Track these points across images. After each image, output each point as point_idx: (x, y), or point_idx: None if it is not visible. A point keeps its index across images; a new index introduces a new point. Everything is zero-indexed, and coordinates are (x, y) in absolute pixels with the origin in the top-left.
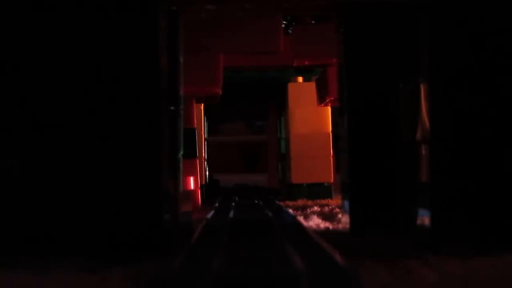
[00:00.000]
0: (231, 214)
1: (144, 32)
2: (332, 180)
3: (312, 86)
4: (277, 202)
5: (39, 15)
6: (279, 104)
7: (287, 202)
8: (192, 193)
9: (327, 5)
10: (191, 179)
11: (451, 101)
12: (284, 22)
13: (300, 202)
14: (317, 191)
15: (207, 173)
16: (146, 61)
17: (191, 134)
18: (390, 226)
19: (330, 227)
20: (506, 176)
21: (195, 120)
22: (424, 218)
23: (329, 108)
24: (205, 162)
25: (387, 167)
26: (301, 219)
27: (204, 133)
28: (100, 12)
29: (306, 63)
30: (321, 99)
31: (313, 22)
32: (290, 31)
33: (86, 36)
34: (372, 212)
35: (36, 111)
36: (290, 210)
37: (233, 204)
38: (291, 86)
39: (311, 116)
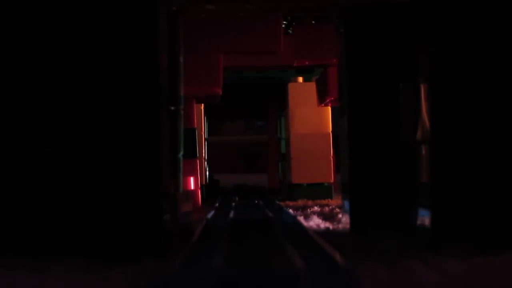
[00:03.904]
0: (231, 214)
1: (144, 32)
2: (332, 180)
3: (312, 86)
4: (277, 202)
5: (39, 13)
6: (279, 104)
7: (287, 202)
8: (192, 193)
9: (327, 5)
10: (191, 179)
11: (451, 101)
12: (284, 22)
13: (300, 202)
14: (317, 191)
15: (207, 173)
16: (146, 61)
17: (191, 134)
18: (390, 226)
19: (330, 227)
20: (507, 176)
21: (195, 120)
22: (424, 218)
23: (329, 108)
24: (205, 162)
25: (387, 167)
26: (301, 219)
27: (204, 133)
28: (100, 12)
29: (306, 63)
30: (321, 99)
31: (313, 22)
32: (290, 31)
33: (85, 36)
34: (372, 212)
35: (33, 112)
36: (290, 210)
37: (233, 204)
38: (291, 86)
39: (311, 116)
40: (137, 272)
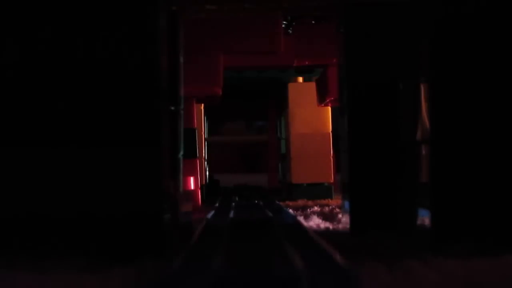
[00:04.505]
0: (231, 214)
1: (144, 32)
2: (332, 180)
3: (312, 86)
4: (277, 202)
5: (40, 13)
6: (279, 104)
7: (287, 202)
8: (192, 193)
9: (327, 5)
10: (191, 179)
11: (451, 101)
12: (284, 22)
13: (300, 202)
14: (317, 191)
15: (207, 173)
16: (146, 61)
17: (191, 134)
18: (390, 226)
19: (330, 227)
20: (506, 176)
21: (195, 120)
22: (424, 218)
23: (329, 108)
24: (205, 162)
25: (387, 167)
26: (301, 219)
27: (204, 133)
28: (100, 12)
29: (306, 63)
30: (321, 99)
31: (313, 22)
32: (290, 31)
33: (85, 36)
34: (372, 212)
35: (34, 112)
36: (290, 210)
37: (233, 204)
38: (291, 86)
39: (311, 116)
40: (137, 272)
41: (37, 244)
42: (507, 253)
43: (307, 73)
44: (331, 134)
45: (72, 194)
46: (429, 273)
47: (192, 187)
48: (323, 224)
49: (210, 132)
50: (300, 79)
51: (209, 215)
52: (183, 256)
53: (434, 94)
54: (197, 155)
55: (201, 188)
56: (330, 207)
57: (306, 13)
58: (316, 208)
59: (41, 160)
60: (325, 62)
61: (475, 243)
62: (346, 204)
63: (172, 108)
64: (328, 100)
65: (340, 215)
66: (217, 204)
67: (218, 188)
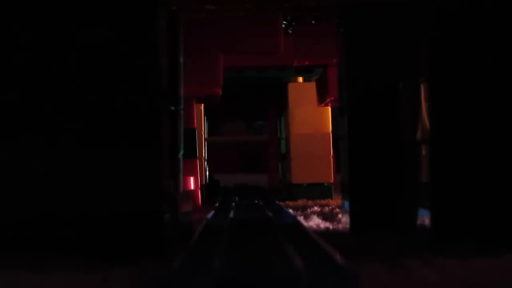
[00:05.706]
0: (231, 214)
1: (144, 32)
2: (332, 180)
3: (312, 86)
4: (277, 202)
5: (40, 12)
6: (279, 104)
7: (287, 202)
8: (192, 193)
9: (327, 5)
10: (191, 179)
11: (451, 101)
12: (284, 22)
13: (300, 202)
14: (317, 191)
15: (207, 173)
16: (146, 61)
17: (191, 134)
18: (390, 226)
19: (330, 227)
20: (506, 176)
21: (195, 120)
22: (424, 218)
23: (329, 108)
24: (205, 162)
25: (387, 167)
26: (301, 219)
27: (204, 133)
28: (100, 12)
29: (306, 63)
30: (321, 99)
31: (313, 22)
32: (290, 31)
33: (85, 36)
34: (372, 212)
35: (33, 110)
36: (290, 210)
37: (233, 204)
38: (291, 86)
39: (311, 116)
40: (137, 272)
41: (37, 244)
42: (507, 253)
43: (307, 73)
44: (331, 134)
45: (71, 194)
46: (429, 273)
47: (192, 187)
48: (323, 224)
49: (210, 132)
50: (300, 79)
51: (209, 215)
52: (183, 256)
53: (434, 94)
54: (197, 155)
55: (201, 188)
56: (330, 207)
57: (306, 13)
58: (316, 208)
59: (40, 159)
60: (325, 62)
61: (475, 243)
62: (346, 204)
63: (172, 108)
64: (328, 100)
65: (340, 215)
66: (217, 204)
67: (218, 188)
